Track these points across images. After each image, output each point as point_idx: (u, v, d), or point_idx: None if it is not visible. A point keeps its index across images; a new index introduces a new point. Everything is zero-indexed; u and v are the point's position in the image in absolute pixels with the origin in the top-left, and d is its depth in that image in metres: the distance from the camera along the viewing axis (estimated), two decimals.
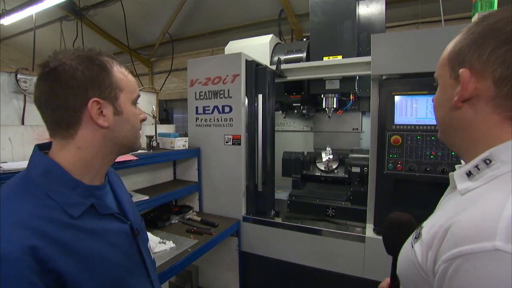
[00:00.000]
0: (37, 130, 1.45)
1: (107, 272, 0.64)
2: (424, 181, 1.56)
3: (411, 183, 1.61)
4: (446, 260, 0.43)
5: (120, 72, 0.71)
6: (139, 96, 0.77)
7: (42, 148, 0.69)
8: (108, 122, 0.67)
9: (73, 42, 5.18)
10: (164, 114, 4.71)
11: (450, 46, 0.58)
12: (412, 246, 0.55)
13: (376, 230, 1.73)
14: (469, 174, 0.52)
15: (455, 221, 0.45)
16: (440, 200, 0.66)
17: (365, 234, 1.74)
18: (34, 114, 1.69)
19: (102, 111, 0.67)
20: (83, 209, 0.63)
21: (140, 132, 0.78)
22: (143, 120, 0.79)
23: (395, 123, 1.62)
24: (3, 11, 4.72)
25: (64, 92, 0.63)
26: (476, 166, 0.51)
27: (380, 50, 1.70)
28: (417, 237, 0.54)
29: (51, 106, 0.64)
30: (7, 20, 4.77)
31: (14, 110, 1.65)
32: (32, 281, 0.51)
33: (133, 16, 5.40)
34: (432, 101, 0.63)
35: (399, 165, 1.61)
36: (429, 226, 0.51)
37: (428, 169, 1.54)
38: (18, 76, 1.62)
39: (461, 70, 0.52)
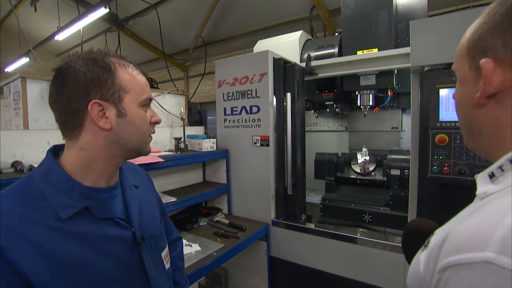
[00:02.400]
0: None
1: (89, 282, 0.60)
2: None
3: (461, 189, 1.40)
4: (438, 271, 0.38)
5: (126, 73, 0.68)
6: (150, 98, 0.73)
7: (61, 149, 0.70)
8: (110, 124, 0.65)
9: (115, 51, 5.56)
10: (198, 116, 4.81)
11: (468, 33, 0.49)
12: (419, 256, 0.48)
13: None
14: (491, 176, 0.45)
15: (455, 229, 0.40)
16: None
17: None
18: None
19: (104, 113, 0.65)
20: (73, 211, 0.61)
21: (152, 135, 0.75)
22: (156, 122, 0.75)
23: (440, 120, 1.43)
24: (58, 28, 5.26)
25: (68, 94, 0.63)
26: (500, 167, 0.44)
27: (421, 38, 1.52)
28: (425, 246, 0.47)
29: (58, 108, 0.65)
30: (61, 36, 5.32)
31: (52, 115, 1.76)
32: None
33: (168, 23, 5.63)
34: (453, 98, 0.54)
35: (445, 168, 1.42)
36: (438, 233, 0.44)
37: None
38: None
39: (482, 60, 0.44)
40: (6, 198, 0.59)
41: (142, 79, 0.72)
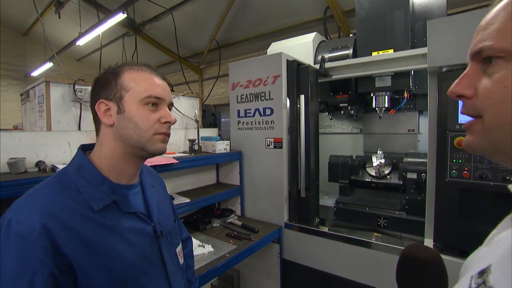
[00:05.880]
0: (90, 134, 1.60)
1: (119, 269, 0.65)
2: (502, 193, 1.28)
3: (482, 194, 1.34)
4: None
5: (132, 74, 0.73)
6: (156, 96, 0.72)
7: (87, 148, 0.78)
8: (112, 120, 0.71)
9: (132, 55, 5.72)
10: (212, 118, 4.86)
11: None
12: None
13: (437, 247, 1.49)
14: None
15: None
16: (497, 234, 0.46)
17: None
18: (88, 120, 1.88)
19: (110, 111, 0.72)
20: (104, 204, 0.67)
21: (160, 136, 0.74)
22: (167, 123, 0.75)
23: (459, 122, 1.39)
24: (79, 33, 5.47)
25: (91, 97, 0.75)
26: None
27: (439, 38, 1.47)
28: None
29: (91, 109, 0.75)
30: (82, 41, 5.55)
31: (72, 117, 1.85)
32: (44, 260, 0.56)
33: (183, 27, 5.74)
34: (504, 87, 0.36)
35: (465, 172, 1.37)
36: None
37: (507, 177, 1.27)
38: (75, 86, 1.81)
39: None
40: (49, 187, 0.66)
41: (151, 80, 0.74)
